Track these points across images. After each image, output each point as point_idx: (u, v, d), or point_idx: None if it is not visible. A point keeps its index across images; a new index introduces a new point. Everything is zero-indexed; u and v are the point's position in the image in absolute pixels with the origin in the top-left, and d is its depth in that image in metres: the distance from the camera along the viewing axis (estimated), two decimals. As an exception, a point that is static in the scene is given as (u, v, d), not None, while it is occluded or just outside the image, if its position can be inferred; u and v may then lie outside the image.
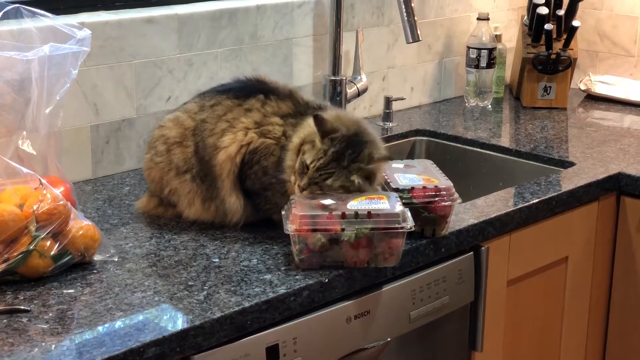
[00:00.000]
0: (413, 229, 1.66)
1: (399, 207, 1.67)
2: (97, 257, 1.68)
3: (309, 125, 1.75)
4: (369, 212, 1.64)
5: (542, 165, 2.40)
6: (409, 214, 1.68)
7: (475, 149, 2.54)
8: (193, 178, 1.84)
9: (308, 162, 1.71)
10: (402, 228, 1.64)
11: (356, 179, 1.71)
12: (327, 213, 1.63)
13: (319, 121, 1.71)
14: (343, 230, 1.63)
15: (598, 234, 2.28)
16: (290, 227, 1.63)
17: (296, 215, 1.63)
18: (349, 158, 1.71)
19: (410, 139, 2.63)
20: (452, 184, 1.81)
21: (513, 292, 2.07)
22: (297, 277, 1.63)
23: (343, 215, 1.63)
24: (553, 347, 2.26)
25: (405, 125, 2.67)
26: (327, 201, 1.67)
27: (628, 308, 2.34)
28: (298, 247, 1.65)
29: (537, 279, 2.15)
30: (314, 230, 1.63)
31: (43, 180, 1.65)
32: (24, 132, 1.78)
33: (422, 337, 1.88)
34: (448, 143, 2.59)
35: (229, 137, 1.80)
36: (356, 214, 1.63)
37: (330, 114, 1.77)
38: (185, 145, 1.85)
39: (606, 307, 2.37)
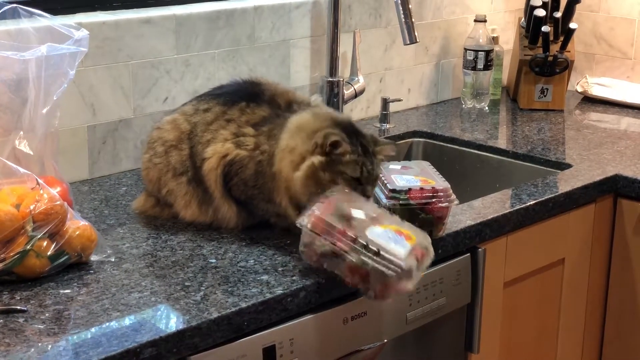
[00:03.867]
0: (410, 288, 1.59)
1: (409, 261, 1.57)
2: (93, 258, 1.68)
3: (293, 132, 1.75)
4: (377, 251, 1.57)
5: (539, 167, 2.40)
6: (417, 272, 1.59)
7: (472, 150, 2.54)
8: (189, 181, 1.85)
9: (355, 174, 1.71)
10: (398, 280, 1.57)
11: (379, 160, 1.77)
12: (341, 228, 1.59)
13: (337, 143, 1.70)
14: (347, 253, 1.58)
15: (595, 236, 2.29)
16: (304, 221, 1.62)
17: (315, 216, 1.61)
18: (370, 144, 1.75)
19: (408, 140, 2.63)
20: (449, 186, 1.81)
21: (510, 294, 2.08)
22: (294, 278, 1.63)
23: (354, 240, 1.59)
24: (549, 349, 2.26)
25: (402, 127, 2.67)
26: (358, 213, 1.63)
27: (624, 310, 2.34)
28: (305, 240, 1.63)
29: (533, 280, 2.15)
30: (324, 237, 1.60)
31: (40, 181, 1.65)
32: (21, 132, 1.78)
33: (419, 339, 1.88)
34: (445, 145, 2.60)
35: (211, 148, 1.81)
36: (365, 247, 1.58)
37: (315, 115, 1.78)
38: (181, 149, 1.86)
39: (603, 309, 2.37)
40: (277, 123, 1.80)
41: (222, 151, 1.80)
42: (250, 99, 1.86)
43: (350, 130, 1.74)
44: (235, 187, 1.81)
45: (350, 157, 1.70)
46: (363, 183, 1.72)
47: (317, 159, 1.70)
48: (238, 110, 1.84)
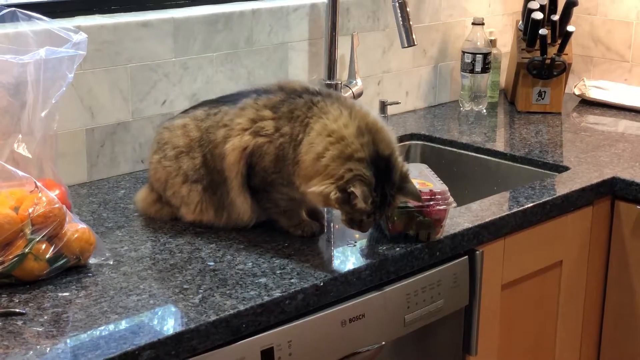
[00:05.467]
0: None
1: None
2: (92, 261, 1.68)
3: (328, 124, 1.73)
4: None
5: (536, 169, 2.40)
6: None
7: (470, 153, 2.55)
8: (205, 189, 1.84)
9: (360, 218, 1.71)
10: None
11: (395, 204, 1.75)
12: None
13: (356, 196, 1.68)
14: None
15: (592, 238, 2.29)
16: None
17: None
18: (394, 188, 1.72)
19: (405, 143, 2.63)
20: (447, 188, 1.81)
21: (507, 296, 2.08)
22: (292, 280, 1.63)
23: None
24: (547, 351, 2.26)
25: (400, 130, 2.67)
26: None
27: (622, 312, 2.35)
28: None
29: (531, 283, 2.15)
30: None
31: (38, 184, 1.65)
32: (20, 136, 1.79)
33: (417, 341, 1.88)
34: (443, 147, 2.60)
35: (230, 143, 1.79)
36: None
37: (358, 129, 1.73)
38: (193, 157, 1.85)
39: (600, 311, 2.38)
40: (299, 104, 1.77)
41: (242, 144, 1.78)
42: (259, 92, 1.85)
43: (383, 168, 1.71)
44: (256, 176, 1.79)
45: (363, 208, 1.68)
46: (364, 225, 1.73)
47: (334, 193, 1.67)
48: (251, 99, 1.82)
